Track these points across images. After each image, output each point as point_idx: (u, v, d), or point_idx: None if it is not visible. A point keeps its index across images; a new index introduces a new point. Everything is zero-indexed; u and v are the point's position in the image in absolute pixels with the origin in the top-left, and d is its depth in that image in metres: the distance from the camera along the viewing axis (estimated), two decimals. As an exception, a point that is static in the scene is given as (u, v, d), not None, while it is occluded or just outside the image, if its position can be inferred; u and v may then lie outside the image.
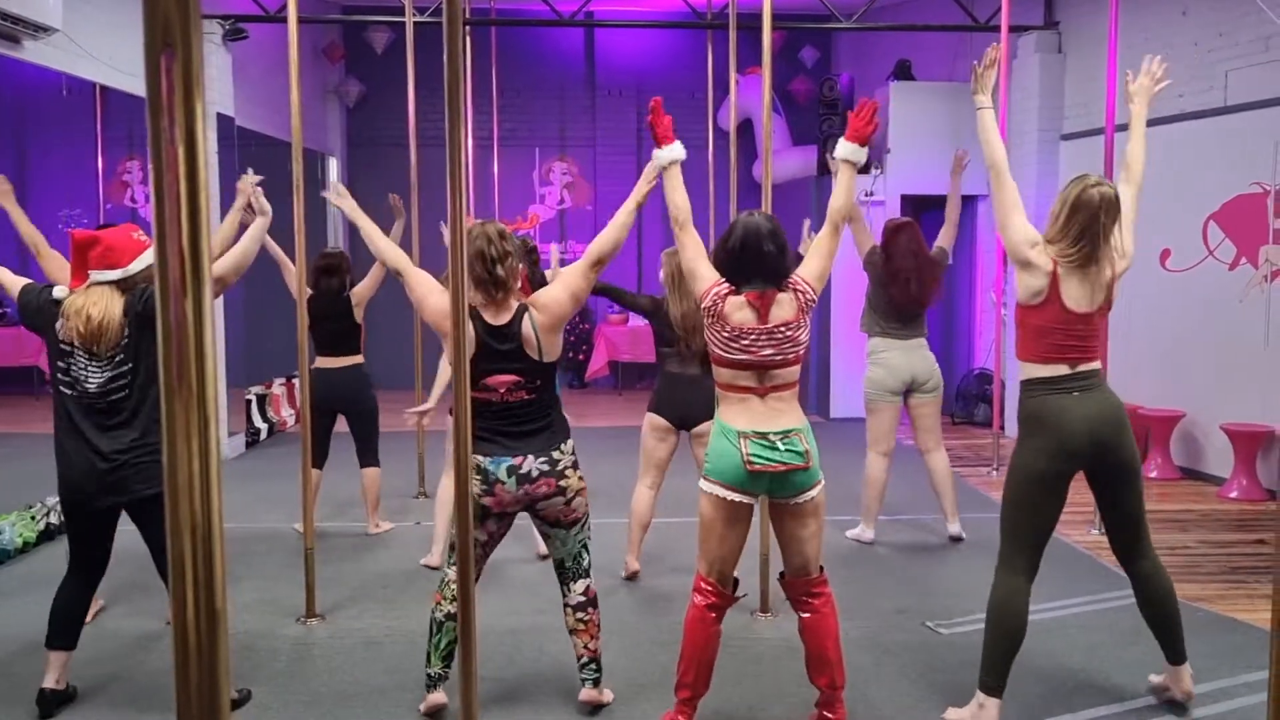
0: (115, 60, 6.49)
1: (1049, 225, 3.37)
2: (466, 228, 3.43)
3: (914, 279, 5.35)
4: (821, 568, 3.31)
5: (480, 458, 3.26)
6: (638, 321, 11.03)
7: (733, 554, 3.28)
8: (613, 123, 11.91)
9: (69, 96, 8.67)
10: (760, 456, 3.11)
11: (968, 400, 9.20)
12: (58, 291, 3.45)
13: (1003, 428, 7.74)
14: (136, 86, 6.84)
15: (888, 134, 9.26)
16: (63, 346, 3.39)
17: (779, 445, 3.13)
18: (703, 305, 3.22)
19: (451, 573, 3.40)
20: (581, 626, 3.48)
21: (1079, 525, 5.76)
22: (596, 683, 3.51)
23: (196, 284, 0.80)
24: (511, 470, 3.27)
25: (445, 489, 4.90)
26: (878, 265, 5.44)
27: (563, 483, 3.34)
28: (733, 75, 6.59)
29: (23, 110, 9.38)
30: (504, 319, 3.30)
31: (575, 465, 3.40)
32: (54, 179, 9.63)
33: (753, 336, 3.15)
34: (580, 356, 11.22)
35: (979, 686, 3.37)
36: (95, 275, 3.39)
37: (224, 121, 7.82)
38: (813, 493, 3.20)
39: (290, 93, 4.32)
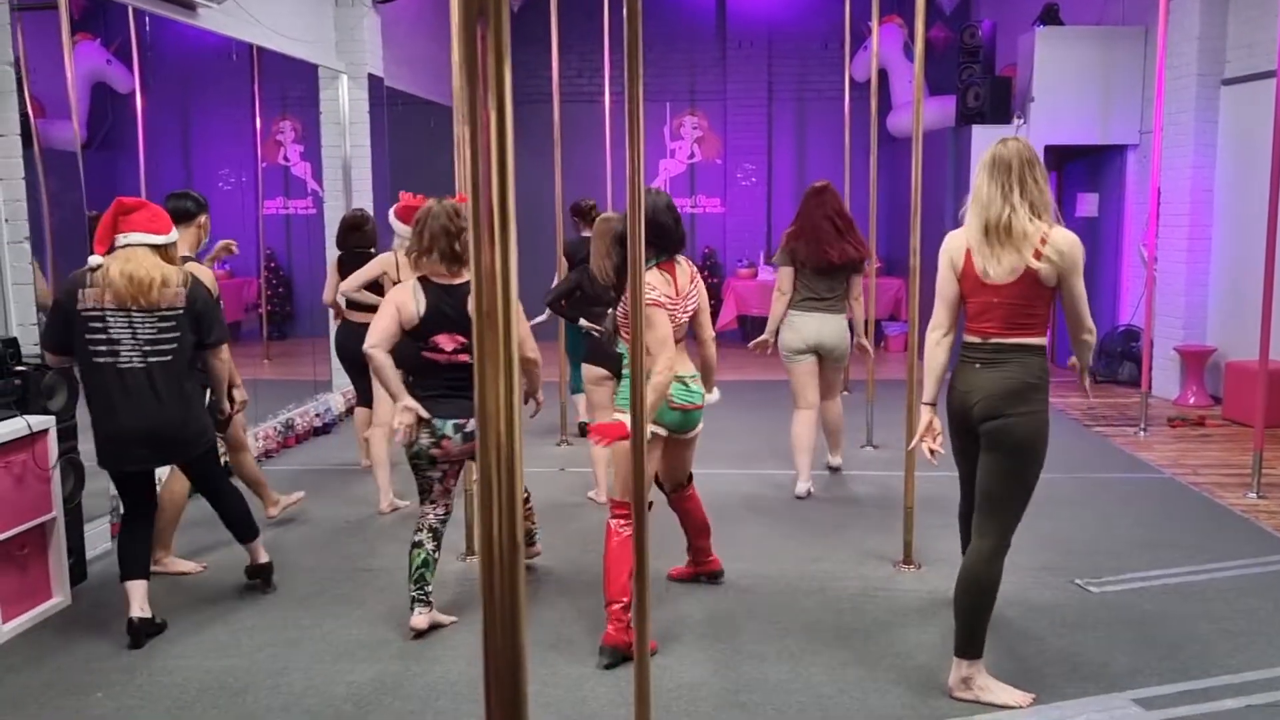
0: (277, 24, 6.79)
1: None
2: (427, 206, 3.66)
3: (822, 240, 5.36)
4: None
5: (429, 416, 3.65)
6: (766, 275, 11.00)
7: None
8: (743, 75, 11.83)
9: (223, 60, 9.09)
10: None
11: (1111, 358, 8.85)
12: (93, 260, 3.63)
13: (1150, 386, 7.48)
14: (291, 49, 7.14)
15: (1032, 81, 8.94)
16: (92, 321, 3.57)
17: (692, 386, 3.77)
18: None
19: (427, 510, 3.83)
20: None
21: (1236, 489, 5.57)
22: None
23: (504, 234, 0.89)
24: (458, 427, 3.67)
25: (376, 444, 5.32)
26: (789, 248, 5.47)
27: None
28: (876, 21, 6.48)
29: (188, 74, 9.86)
30: (457, 281, 3.67)
31: None
32: (214, 140, 10.13)
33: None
34: (709, 310, 11.24)
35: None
36: (139, 237, 3.63)
37: (374, 82, 8.08)
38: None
39: (450, 52, 4.47)
